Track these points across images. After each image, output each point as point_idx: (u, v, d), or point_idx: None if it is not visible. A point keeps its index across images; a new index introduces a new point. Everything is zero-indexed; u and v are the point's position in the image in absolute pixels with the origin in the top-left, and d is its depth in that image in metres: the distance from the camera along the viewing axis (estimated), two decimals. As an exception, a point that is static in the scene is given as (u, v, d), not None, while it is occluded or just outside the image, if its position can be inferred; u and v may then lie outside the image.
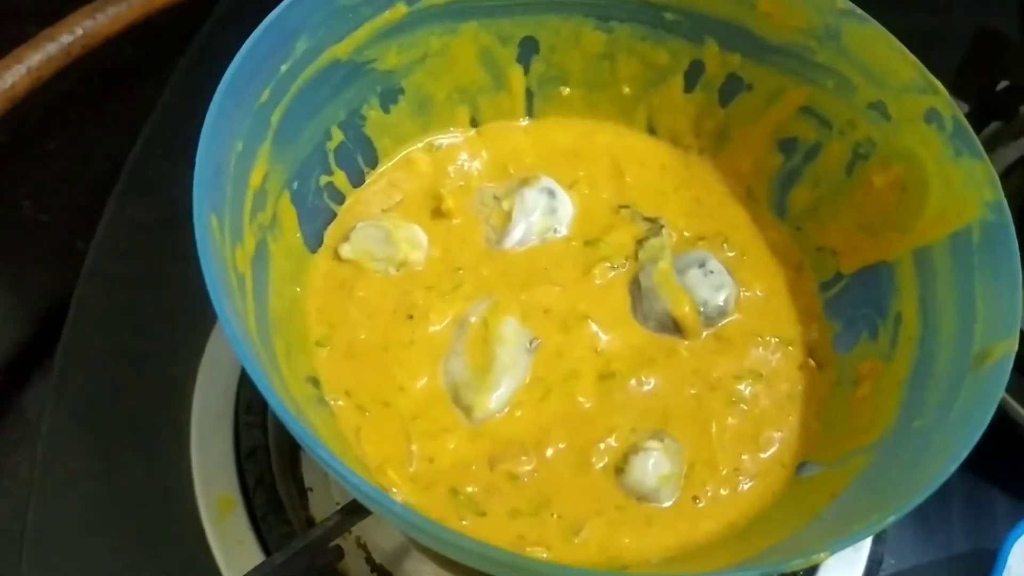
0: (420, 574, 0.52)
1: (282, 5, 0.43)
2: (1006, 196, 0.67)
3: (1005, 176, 0.69)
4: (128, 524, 0.54)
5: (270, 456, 0.54)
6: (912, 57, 0.45)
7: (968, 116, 0.68)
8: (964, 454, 0.36)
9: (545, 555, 0.42)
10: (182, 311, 0.58)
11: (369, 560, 0.53)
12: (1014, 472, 0.60)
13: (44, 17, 0.77)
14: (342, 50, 0.47)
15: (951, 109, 0.44)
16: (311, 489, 0.55)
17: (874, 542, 0.54)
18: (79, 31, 0.75)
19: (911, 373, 0.43)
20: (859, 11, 0.47)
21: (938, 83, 0.45)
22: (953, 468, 0.35)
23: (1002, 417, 0.58)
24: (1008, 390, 0.58)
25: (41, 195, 0.79)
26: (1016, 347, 0.38)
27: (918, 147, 0.46)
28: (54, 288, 0.75)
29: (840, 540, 0.36)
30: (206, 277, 0.36)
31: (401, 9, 0.48)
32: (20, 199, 0.78)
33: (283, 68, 0.44)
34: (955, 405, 0.39)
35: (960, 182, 0.43)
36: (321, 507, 0.54)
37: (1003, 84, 0.70)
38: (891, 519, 0.35)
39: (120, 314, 0.62)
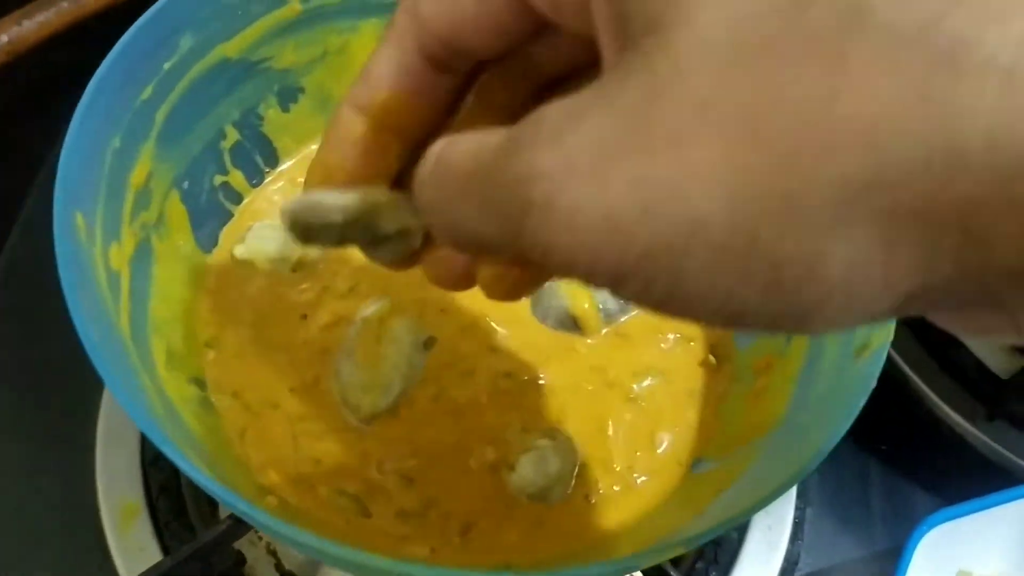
0: (332, 581, 0.51)
1: (162, 0, 0.42)
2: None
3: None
4: (28, 533, 0.53)
5: (176, 461, 0.54)
6: None
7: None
8: (829, 448, 0.35)
9: (429, 555, 0.41)
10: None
11: (279, 567, 0.52)
12: (934, 468, 0.59)
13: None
14: (232, 48, 0.46)
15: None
16: (223, 498, 0.54)
17: (791, 540, 0.54)
18: (4, 39, 0.74)
19: (802, 367, 0.43)
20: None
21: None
22: (817, 462, 0.35)
23: (926, 413, 0.58)
24: (928, 383, 0.59)
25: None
26: (891, 337, 0.38)
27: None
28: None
29: (716, 526, 0.35)
30: (61, 274, 0.35)
31: (295, 7, 0.48)
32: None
33: (166, 66, 0.43)
34: (831, 399, 0.39)
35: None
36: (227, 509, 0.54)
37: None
38: (744, 518, 0.34)
39: (27, 319, 0.61)
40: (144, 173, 0.43)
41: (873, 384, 0.37)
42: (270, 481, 0.42)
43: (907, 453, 0.60)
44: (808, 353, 0.43)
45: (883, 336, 0.38)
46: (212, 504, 0.54)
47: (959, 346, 0.60)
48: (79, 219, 0.38)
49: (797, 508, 0.55)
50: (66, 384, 0.56)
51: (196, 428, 0.41)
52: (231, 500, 0.33)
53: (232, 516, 0.45)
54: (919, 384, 0.59)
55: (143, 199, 0.43)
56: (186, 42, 0.44)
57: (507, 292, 0.30)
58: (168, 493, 0.52)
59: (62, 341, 0.58)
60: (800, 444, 0.39)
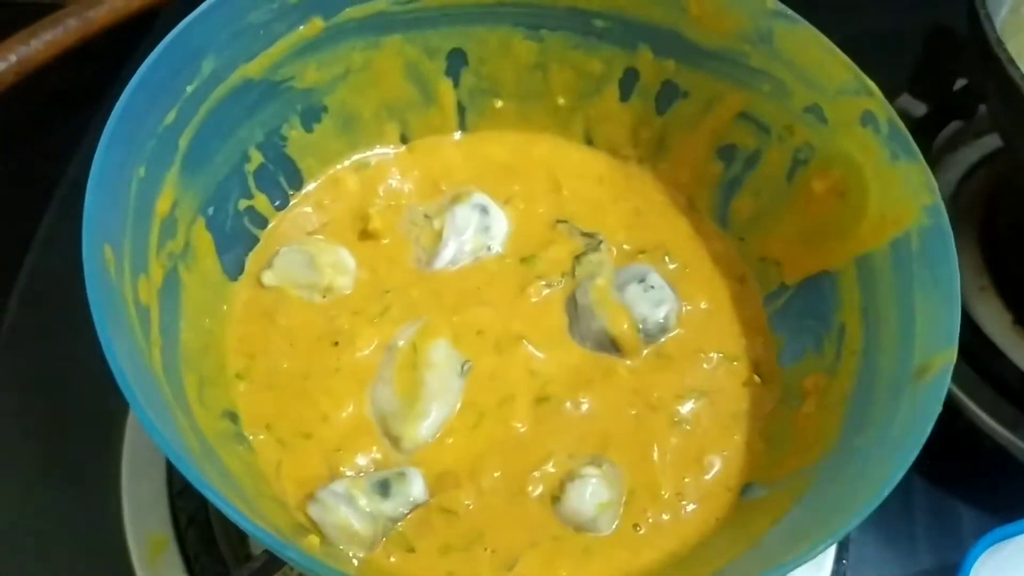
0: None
1: (183, 23, 0.41)
2: (969, 196, 0.66)
3: (967, 176, 0.67)
4: (56, 567, 0.52)
5: (204, 492, 0.52)
6: (845, 58, 0.44)
7: (927, 117, 0.67)
8: (900, 474, 0.34)
9: (476, 592, 0.39)
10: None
11: (312, 598, 0.50)
12: (979, 486, 0.58)
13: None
14: (255, 69, 0.45)
15: (886, 111, 0.42)
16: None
17: (836, 559, 0.52)
18: (12, 58, 0.73)
19: (854, 387, 0.41)
20: (790, 12, 0.45)
21: (872, 84, 0.43)
22: (888, 491, 0.34)
23: (968, 429, 0.57)
24: (971, 397, 0.58)
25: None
26: (955, 358, 0.36)
27: (855, 151, 0.44)
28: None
29: (778, 565, 0.34)
30: (93, 312, 0.34)
31: (317, 24, 0.46)
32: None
33: (189, 89, 0.42)
34: (895, 421, 0.37)
35: (898, 186, 0.42)
36: (259, 545, 0.52)
37: (960, 83, 0.68)
38: (822, 547, 0.33)
39: (52, 348, 0.60)
40: (169, 201, 0.42)
41: (939, 408, 0.35)
42: (307, 517, 0.40)
43: (950, 467, 0.58)
44: (859, 374, 0.42)
45: (945, 357, 0.37)
46: (242, 536, 0.52)
47: (1001, 357, 0.59)
48: (108, 252, 0.36)
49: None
50: (89, 413, 0.55)
51: (232, 464, 0.39)
52: (273, 542, 0.32)
53: (267, 552, 0.43)
54: (961, 396, 0.58)
55: (169, 228, 0.42)
56: (208, 65, 0.43)
57: None
58: (197, 525, 0.51)
59: (83, 365, 0.57)
60: (860, 471, 0.37)
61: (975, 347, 0.59)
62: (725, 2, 0.46)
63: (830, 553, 0.52)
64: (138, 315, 0.38)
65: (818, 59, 0.45)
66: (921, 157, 0.41)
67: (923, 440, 0.35)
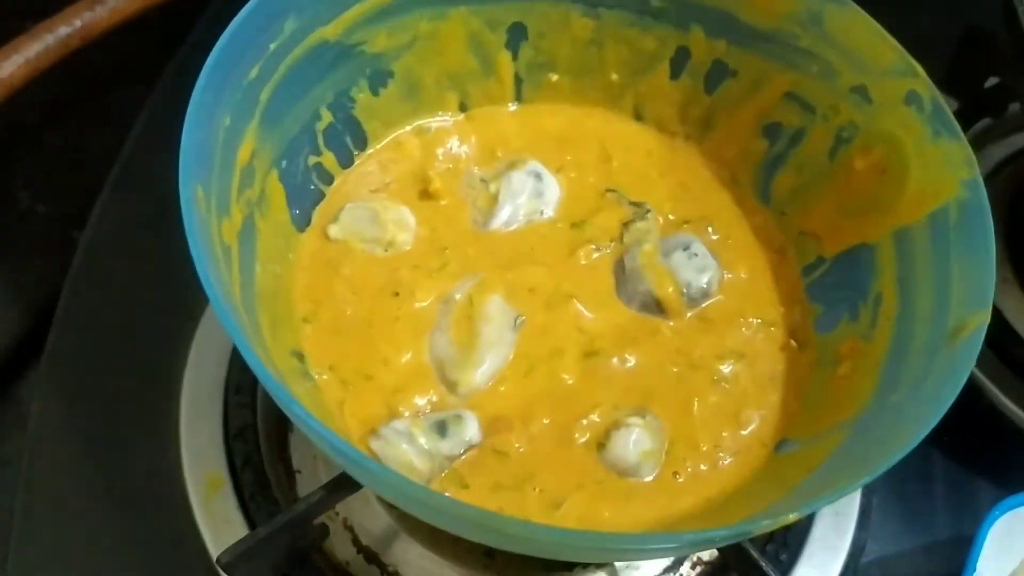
0: (407, 555, 0.53)
1: (271, -16, 0.44)
2: (995, 193, 0.68)
3: (995, 173, 0.69)
4: (117, 504, 0.55)
5: (258, 437, 0.55)
6: (892, 40, 0.46)
7: (957, 113, 0.69)
8: (933, 423, 0.36)
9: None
10: (172, 300, 0.59)
11: (356, 542, 0.53)
12: (997, 459, 0.60)
13: (43, 13, 0.77)
14: (331, 31, 0.48)
15: (930, 91, 0.45)
16: (299, 471, 0.55)
17: (857, 528, 0.55)
18: (77, 23, 0.76)
19: (889, 351, 0.44)
20: (841, -5, 0.47)
21: (917, 65, 0.45)
22: (920, 438, 0.36)
23: (987, 405, 0.59)
24: (991, 378, 0.60)
25: (39, 186, 0.80)
26: (988, 319, 0.38)
27: (898, 129, 0.46)
28: (51, 278, 0.76)
29: (808, 504, 0.36)
30: (190, 244, 0.36)
31: (390, -8, 0.49)
32: (18, 190, 0.79)
33: (272, 47, 0.45)
34: (928, 379, 0.39)
35: (938, 163, 0.44)
36: (308, 489, 0.54)
37: (992, 81, 0.70)
38: (858, 485, 0.35)
39: (111, 303, 0.63)
40: (249, 151, 0.45)
41: (972, 363, 0.38)
42: (370, 451, 0.43)
43: (969, 445, 0.61)
44: (894, 338, 0.44)
45: (980, 318, 0.39)
46: (292, 479, 0.55)
47: (1019, 342, 0.61)
48: (200, 192, 0.39)
49: (863, 497, 0.56)
50: (150, 363, 0.58)
51: (301, 398, 0.42)
52: (344, 446, 0.34)
53: (325, 488, 0.46)
54: (981, 378, 0.60)
55: (248, 177, 0.45)
56: (290, 24, 0.46)
57: None
58: (251, 466, 0.54)
59: (147, 314, 0.60)
60: (891, 426, 0.40)
61: (997, 334, 0.61)
62: (778, -15, 0.49)
63: (851, 521, 0.55)
64: (222, 253, 0.41)
65: (866, 41, 0.47)
66: (962, 134, 0.43)
67: (956, 393, 0.37)
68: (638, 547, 0.38)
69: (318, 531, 0.51)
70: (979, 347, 0.38)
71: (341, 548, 0.53)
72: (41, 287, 0.76)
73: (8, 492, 0.56)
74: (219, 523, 0.52)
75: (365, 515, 0.53)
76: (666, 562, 0.53)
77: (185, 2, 0.82)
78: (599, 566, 0.52)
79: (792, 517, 0.34)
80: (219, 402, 0.56)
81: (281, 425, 0.56)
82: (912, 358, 0.42)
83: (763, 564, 0.45)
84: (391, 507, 0.52)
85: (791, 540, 0.54)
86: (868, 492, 0.56)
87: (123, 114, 0.77)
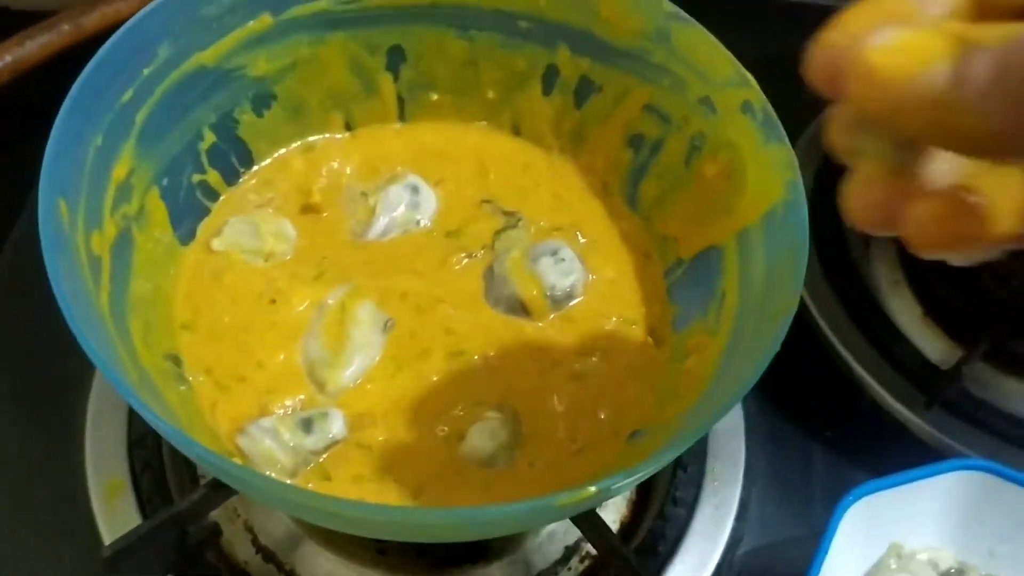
0: (304, 555, 0.55)
1: (141, 12, 0.47)
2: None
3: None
4: (20, 508, 0.57)
5: (160, 442, 0.57)
6: (728, 53, 0.49)
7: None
8: (742, 394, 0.39)
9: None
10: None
11: (255, 543, 0.55)
12: (876, 454, 0.62)
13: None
14: (208, 57, 0.51)
15: (762, 100, 0.48)
16: (204, 476, 0.58)
17: (736, 519, 0.57)
18: (8, 58, 0.79)
19: (727, 343, 0.46)
20: (683, 14, 0.50)
21: (750, 76, 0.48)
22: (723, 415, 0.38)
23: (870, 407, 0.62)
24: (873, 375, 0.62)
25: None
26: (796, 307, 0.41)
27: (737, 136, 0.49)
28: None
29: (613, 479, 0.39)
30: (44, 254, 0.39)
31: (266, 19, 0.52)
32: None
33: (145, 72, 0.48)
34: (752, 363, 0.42)
35: (769, 166, 0.47)
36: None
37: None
38: (667, 458, 0.38)
39: (19, 313, 0.65)
40: (125, 169, 0.47)
41: (778, 346, 0.40)
42: (238, 448, 0.46)
43: (850, 440, 0.63)
44: (733, 331, 0.47)
45: (791, 304, 0.42)
46: (192, 480, 0.57)
47: (901, 338, 0.64)
48: (62, 205, 0.42)
49: (743, 489, 0.58)
50: (58, 372, 0.60)
51: (169, 398, 0.44)
52: (201, 451, 0.37)
53: (207, 485, 0.48)
54: (862, 373, 0.63)
55: (124, 193, 0.47)
56: (164, 51, 0.49)
57: (941, 239, 0.26)
58: (151, 470, 0.56)
59: (54, 326, 0.63)
60: (721, 408, 0.42)
61: (885, 335, 0.65)
62: (629, 5, 0.52)
63: (731, 512, 0.57)
64: (89, 263, 0.43)
65: (708, 55, 0.50)
66: (786, 139, 0.46)
67: (763, 369, 0.39)
68: (467, 521, 0.40)
69: (209, 530, 0.53)
70: (786, 330, 0.41)
71: (241, 549, 0.55)
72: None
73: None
74: (118, 525, 0.54)
75: (266, 517, 0.55)
76: (556, 555, 0.55)
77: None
78: (488, 561, 0.54)
79: (592, 490, 0.36)
80: (124, 410, 0.58)
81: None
82: (743, 348, 0.45)
83: (624, 551, 0.48)
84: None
85: (670, 532, 0.56)
86: (748, 484, 0.58)
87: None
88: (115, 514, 0.55)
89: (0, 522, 0.56)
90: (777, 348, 0.40)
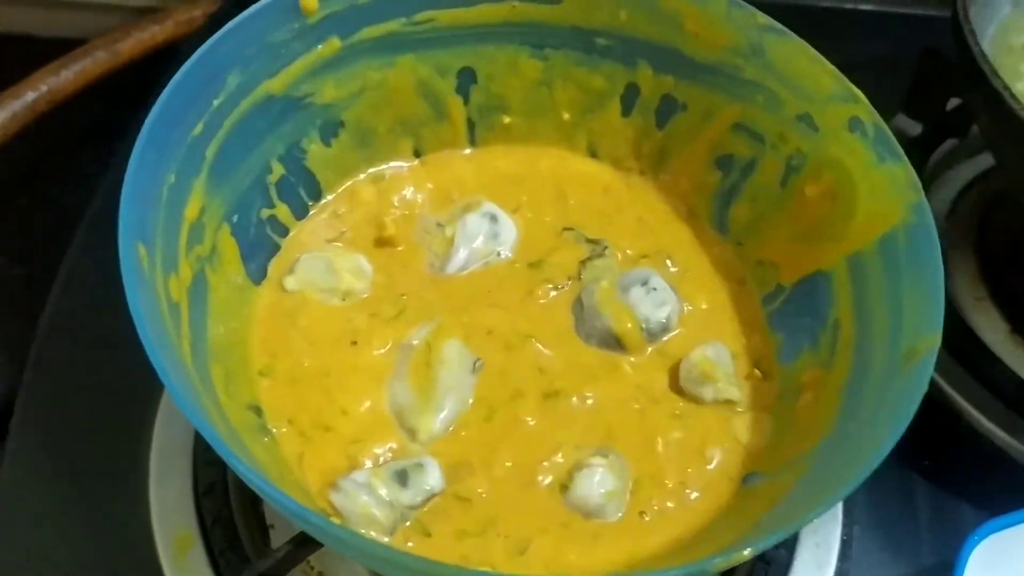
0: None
1: (211, 40, 0.44)
2: (965, 213, 0.68)
3: (963, 193, 0.70)
4: (85, 565, 0.54)
5: (228, 493, 0.54)
6: (832, 67, 0.46)
7: (922, 136, 0.69)
8: (886, 451, 0.36)
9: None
10: (141, 357, 0.59)
11: (328, 596, 0.52)
12: (978, 486, 0.59)
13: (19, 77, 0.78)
14: (276, 85, 0.48)
15: (872, 116, 0.45)
16: (272, 526, 0.54)
17: (839, 559, 0.54)
18: (43, 88, 0.76)
19: (848, 378, 0.43)
20: (779, 26, 0.48)
21: (858, 92, 0.46)
22: (874, 467, 0.35)
23: (967, 432, 0.59)
24: (969, 400, 0.59)
25: (13, 249, 0.80)
26: (939, 342, 0.38)
27: (844, 155, 0.46)
28: (30, 338, 0.76)
29: (759, 542, 0.36)
30: (130, 303, 0.36)
31: (335, 44, 0.49)
32: (-6, 253, 0.79)
33: (216, 102, 0.45)
34: (885, 405, 0.39)
35: (884, 187, 0.44)
36: (282, 543, 0.54)
37: (953, 103, 0.70)
38: (810, 518, 0.35)
39: (79, 361, 0.62)
40: (197, 207, 0.45)
41: (924, 389, 0.37)
42: (330, 505, 0.42)
43: (950, 469, 0.60)
44: (853, 366, 0.44)
45: (931, 342, 0.39)
46: (265, 535, 0.54)
47: (998, 363, 0.61)
48: (141, 249, 0.39)
49: (844, 527, 0.55)
50: (117, 426, 0.57)
51: (257, 452, 0.41)
52: (299, 509, 0.34)
53: (292, 542, 0.45)
54: (959, 400, 0.59)
55: (197, 232, 0.44)
56: (233, 79, 0.46)
57: None
58: (221, 523, 0.53)
59: (115, 372, 0.60)
60: (852, 453, 0.39)
61: (973, 354, 0.61)
62: (719, 18, 0.49)
63: (833, 552, 0.54)
64: (169, 311, 0.40)
65: (807, 70, 0.47)
66: (905, 158, 0.43)
67: (908, 420, 0.37)
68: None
69: (287, 587, 0.50)
70: (931, 370, 0.38)
71: (313, 604, 0.52)
72: (19, 349, 0.76)
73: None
74: (189, 584, 0.51)
75: (341, 567, 0.52)
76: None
77: (150, 62, 0.83)
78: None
79: (747, 553, 0.34)
80: (188, 459, 0.55)
81: (249, 481, 0.55)
82: (869, 386, 0.42)
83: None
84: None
85: (771, 574, 0.53)
86: (849, 522, 0.55)
87: (92, 173, 0.78)
88: (186, 570, 0.52)
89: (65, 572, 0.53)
90: (923, 391, 0.37)
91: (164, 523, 0.53)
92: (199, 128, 0.44)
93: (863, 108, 0.45)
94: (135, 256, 0.38)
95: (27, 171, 0.84)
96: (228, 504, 0.54)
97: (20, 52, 0.93)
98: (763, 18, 0.48)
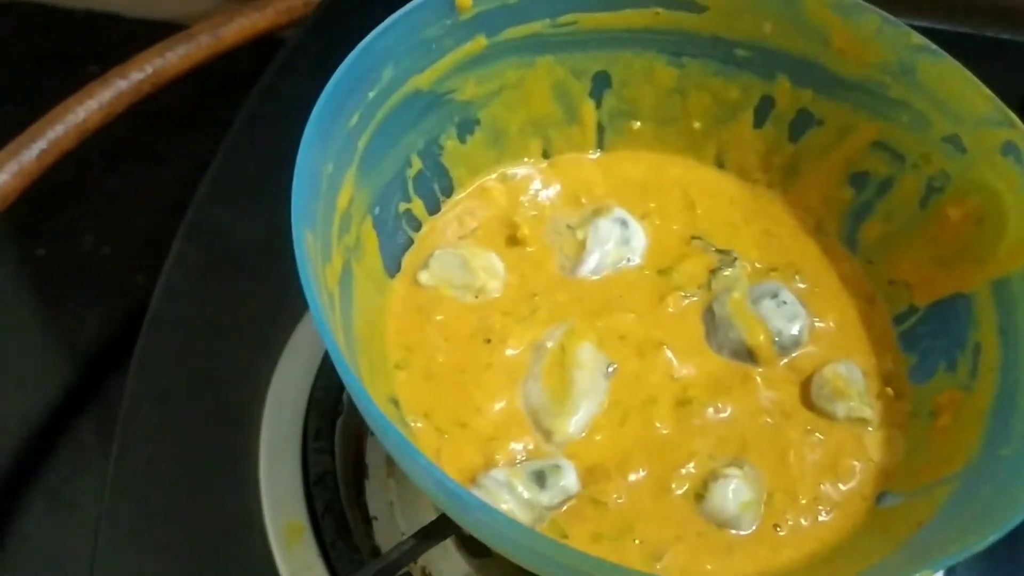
0: (484, 605, 0.52)
1: (372, 33, 0.44)
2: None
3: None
4: (197, 552, 0.54)
5: (338, 483, 0.55)
6: (988, 91, 0.46)
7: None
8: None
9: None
10: (247, 345, 0.59)
11: (433, 591, 0.52)
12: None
13: (115, 59, 0.79)
14: (424, 80, 0.48)
15: (1029, 141, 0.45)
16: (375, 518, 0.55)
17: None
18: (149, 69, 0.77)
19: (994, 402, 0.43)
20: (934, 47, 0.47)
21: (1015, 116, 0.45)
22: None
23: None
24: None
25: (104, 229, 0.81)
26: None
27: (995, 179, 0.46)
28: (112, 319, 0.77)
29: (930, 563, 0.36)
30: (306, 290, 0.36)
31: (481, 41, 0.49)
32: (83, 232, 0.80)
33: (371, 95, 0.45)
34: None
35: (1039, 213, 0.44)
36: (386, 536, 0.54)
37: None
38: (985, 543, 0.35)
39: (186, 349, 0.62)
40: (347, 198, 0.45)
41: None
42: (471, 500, 0.42)
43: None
44: (998, 389, 0.43)
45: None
46: (366, 521, 0.54)
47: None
48: (310, 237, 0.39)
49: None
50: (227, 405, 0.58)
51: (402, 446, 0.41)
52: (455, 487, 0.34)
53: (416, 536, 0.45)
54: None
55: (346, 223, 0.45)
56: (388, 73, 0.46)
57: None
58: (332, 514, 0.53)
59: (222, 360, 0.60)
60: (1007, 480, 0.39)
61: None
62: (870, 36, 0.49)
63: None
64: (327, 300, 0.41)
65: (960, 91, 0.47)
66: (1064, 185, 0.43)
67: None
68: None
69: (404, 581, 0.51)
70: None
71: (419, 599, 0.52)
72: (103, 329, 0.77)
73: (86, 539, 0.55)
74: (301, 570, 0.52)
75: (444, 563, 0.52)
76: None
77: (250, 49, 0.83)
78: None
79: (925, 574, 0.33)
80: (297, 447, 0.56)
81: (357, 471, 0.56)
82: (1021, 410, 0.41)
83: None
84: (471, 555, 0.51)
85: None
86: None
87: (187, 159, 0.78)
88: (297, 560, 0.52)
89: (178, 567, 0.53)
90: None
91: (275, 511, 0.53)
92: (355, 120, 0.45)
93: (1019, 132, 0.45)
94: (306, 245, 0.38)
95: (122, 152, 0.85)
96: (338, 495, 0.54)
97: (114, 33, 0.94)
98: (917, 38, 0.47)
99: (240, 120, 0.75)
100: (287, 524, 0.53)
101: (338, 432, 0.55)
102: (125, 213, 0.83)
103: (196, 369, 0.61)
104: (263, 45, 0.85)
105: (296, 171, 0.39)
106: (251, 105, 0.75)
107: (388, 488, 0.54)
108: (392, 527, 0.54)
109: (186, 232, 0.67)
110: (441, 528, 0.44)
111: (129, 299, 0.76)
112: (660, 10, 0.51)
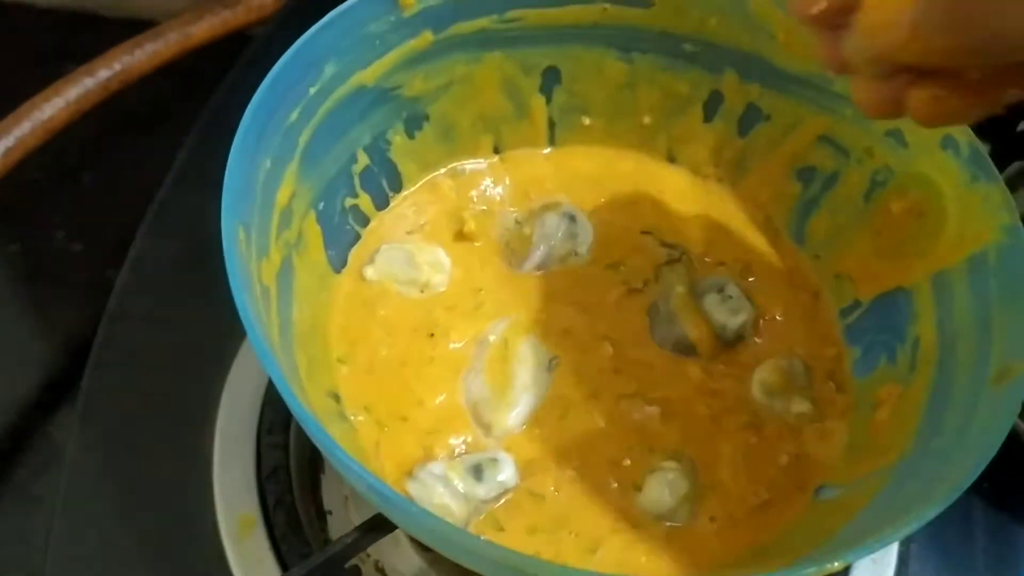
0: (438, 598, 0.52)
1: (313, 28, 0.44)
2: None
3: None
4: (150, 543, 0.54)
5: (291, 477, 0.55)
6: (927, 85, 0.46)
7: (989, 156, 0.69)
8: (981, 468, 0.36)
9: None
10: (205, 341, 0.59)
11: (386, 583, 0.53)
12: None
13: (83, 56, 0.79)
14: (369, 76, 0.48)
15: (967, 135, 0.45)
16: (330, 512, 0.55)
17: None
18: (116, 67, 0.77)
19: (930, 395, 0.43)
20: (875, 41, 0.47)
21: (953, 110, 0.45)
22: (969, 483, 0.35)
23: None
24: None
25: (74, 226, 0.81)
26: (1033, 366, 0.38)
27: (935, 173, 0.46)
28: (84, 315, 0.77)
29: (852, 551, 0.36)
30: (232, 284, 0.37)
31: (427, 37, 0.50)
32: (54, 229, 0.80)
33: (312, 91, 0.45)
34: (972, 424, 0.39)
35: (976, 207, 0.44)
36: (339, 530, 0.54)
37: (1024, 124, 0.70)
38: (905, 531, 0.35)
39: (145, 343, 0.62)
40: (288, 193, 0.45)
41: (1016, 411, 0.37)
42: (406, 493, 0.43)
43: (1010, 490, 0.60)
44: (934, 383, 0.44)
45: (1022, 366, 0.38)
46: (323, 520, 0.55)
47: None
48: (241, 233, 0.39)
49: (901, 545, 0.55)
50: (183, 399, 0.58)
51: (338, 439, 0.42)
52: (384, 489, 0.34)
53: (361, 528, 0.45)
54: (1018, 421, 0.59)
55: (286, 218, 0.45)
56: (330, 68, 0.46)
57: (942, 114, 0.31)
58: (283, 507, 0.53)
59: (180, 355, 0.61)
60: (936, 472, 0.39)
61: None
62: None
63: (889, 569, 0.53)
64: (261, 294, 0.41)
65: (900, 86, 0.47)
66: (1000, 179, 0.43)
67: (1001, 440, 0.36)
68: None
69: (350, 573, 0.51)
70: (1023, 395, 0.38)
71: (373, 589, 0.52)
72: (75, 325, 0.77)
73: (41, 530, 0.56)
74: (251, 564, 0.52)
75: (397, 556, 0.52)
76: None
77: (221, 47, 0.84)
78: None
79: (837, 565, 0.33)
80: (252, 442, 0.56)
81: (313, 465, 0.56)
82: (954, 404, 0.41)
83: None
84: (423, 549, 0.52)
85: (828, 588, 0.53)
86: (907, 540, 0.55)
87: (158, 155, 0.78)
88: (248, 552, 0.52)
89: (129, 558, 0.53)
90: (1015, 413, 0.37)
91: (227, 504, 0.53)
92: (295, 115, 0.45)
93: (958, 127, 0.45)
94: (237, 240, 0.38)
95: (92, 150, 0.85)
96: (291, 488, 0.54)
97: (92, 32, 0.95)
98: (858, 31, 0.47)
99: (206, 115, 0.75)
100: (239, 517, 0.53)
101: (293, 426, 0.56)
102: (97, 210, 0.83)
103: (153, 363, 0.61)
104: (233, 43, 0.85)
105: (228, 166, 0.40)
106: (217, 102, 0.76)
107: (343, 483, 0.55)
108: (346, 521, 0.55)
109: (147, 229, 0.68)
110: (385, 522, 0.44)
111: (101, 295, 0.77)
112: (607, 5, 0.51)
